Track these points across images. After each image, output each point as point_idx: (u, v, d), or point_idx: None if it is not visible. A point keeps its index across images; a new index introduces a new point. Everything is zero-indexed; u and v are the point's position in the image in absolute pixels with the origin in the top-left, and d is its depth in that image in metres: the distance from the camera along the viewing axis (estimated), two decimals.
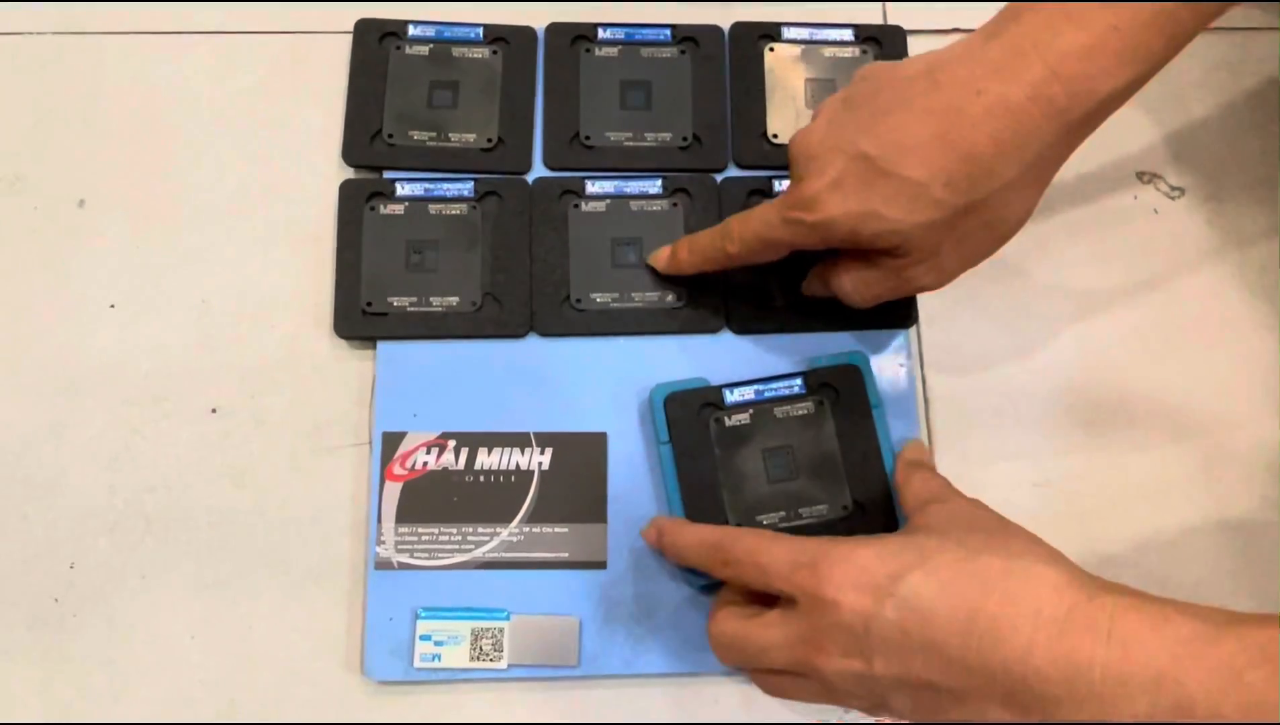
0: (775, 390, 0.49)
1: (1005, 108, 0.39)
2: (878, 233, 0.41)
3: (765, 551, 0.40)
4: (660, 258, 0.50)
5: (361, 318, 0.50)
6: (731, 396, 0.49)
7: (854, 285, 0.46)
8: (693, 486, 0.47)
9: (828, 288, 0.47)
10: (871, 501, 0.47)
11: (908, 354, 0.51)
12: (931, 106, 0.40)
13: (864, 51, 0.55)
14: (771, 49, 0.55)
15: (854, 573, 0.37)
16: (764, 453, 0.48)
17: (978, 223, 0.42)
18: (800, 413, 0.48)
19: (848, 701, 0.39)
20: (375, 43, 0.54)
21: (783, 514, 0.47)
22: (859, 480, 0.48)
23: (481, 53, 0.55)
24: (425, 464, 0.49)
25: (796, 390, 0.49)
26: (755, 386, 0.49)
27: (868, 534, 0.46)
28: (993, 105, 0.39)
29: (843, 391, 0.48)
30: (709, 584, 0.47)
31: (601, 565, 0.48)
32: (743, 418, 0.48)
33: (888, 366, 0.50)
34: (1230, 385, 0.51)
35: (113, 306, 0.52)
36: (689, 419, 0.48)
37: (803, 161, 0.43)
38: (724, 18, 0.56)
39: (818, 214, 0.42)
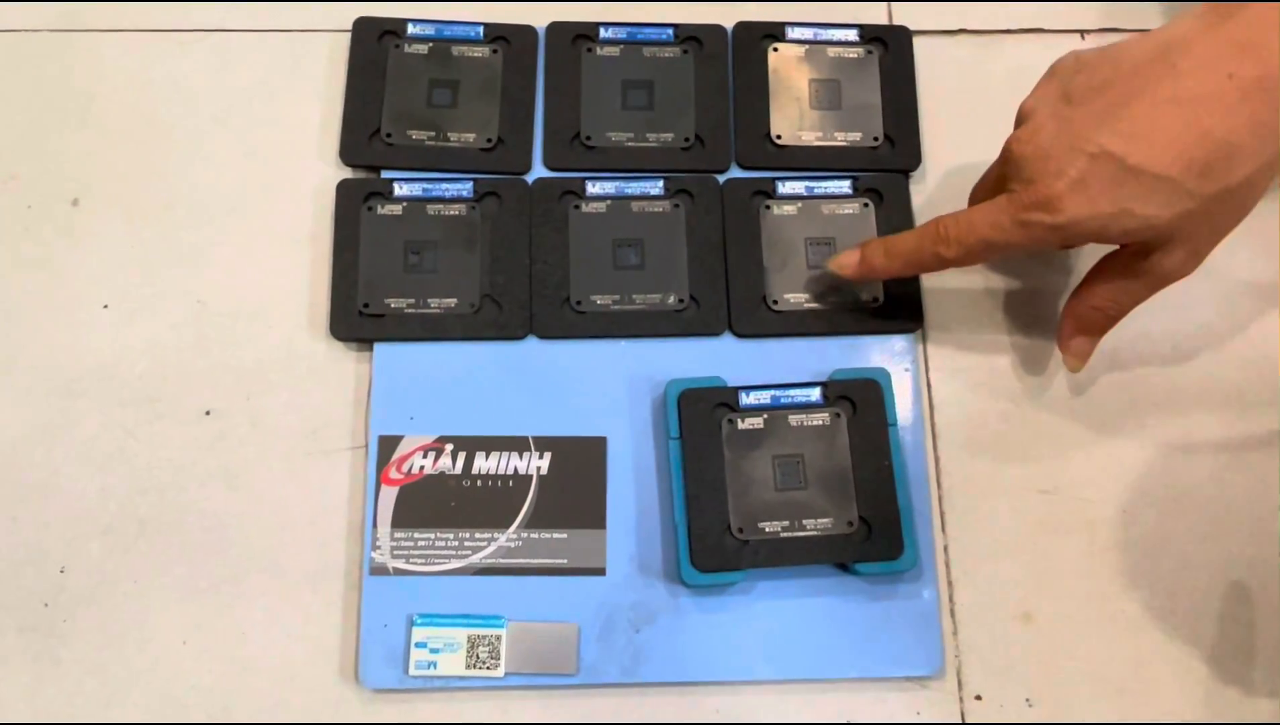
0: (792, 397, 0.48)
1: (1261, 88, 0.38)
2: (1129, 230, 0.41)
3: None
4: (848, 264, 0.48)
5: (358, 319, 0.50)
6: (746, 399, 0.48)
7: (1114, 298, 0.46)
8: (698, 485, 0.46)
9: (1098, 316, 0.47)
10: (878, 520, 0.46)
11: (913, 358, 0.50)
12: (1177, 95, 0.39)
13: (869, 52, 0.54)
14: (775, 49, 0.55)
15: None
16: (774, 459, 0.47)
17: (1231, 203, 0.41)
18: (815, 423, 0.48)
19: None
20: (374, 41, 0.54)
21: (786, 523, 0.46)
22: (868, 497, 0.47)
23: (481, 52, 0.54)
24: (422, 468, 0.48)
25: (814, 400, 0.48)
26: (772, 392, 0.48)
27: (872, 554, 0.46)
28: (1248, 87, 0.38)
29: (861, 406, 0.48)
30: (704, 585, 0.46)
31: (600, 572, 0.47)
32: (756, 422, 0.47)
33: (893, 371, 0.49)
34: (1242, 389, 0.51)
35: (106, 306, 0.51)
36: (702, 417, 0.47)
37: (1035, 162, 0.41)
38: (727, 17, 0.55)
39: (1061, 216, 0.41)
